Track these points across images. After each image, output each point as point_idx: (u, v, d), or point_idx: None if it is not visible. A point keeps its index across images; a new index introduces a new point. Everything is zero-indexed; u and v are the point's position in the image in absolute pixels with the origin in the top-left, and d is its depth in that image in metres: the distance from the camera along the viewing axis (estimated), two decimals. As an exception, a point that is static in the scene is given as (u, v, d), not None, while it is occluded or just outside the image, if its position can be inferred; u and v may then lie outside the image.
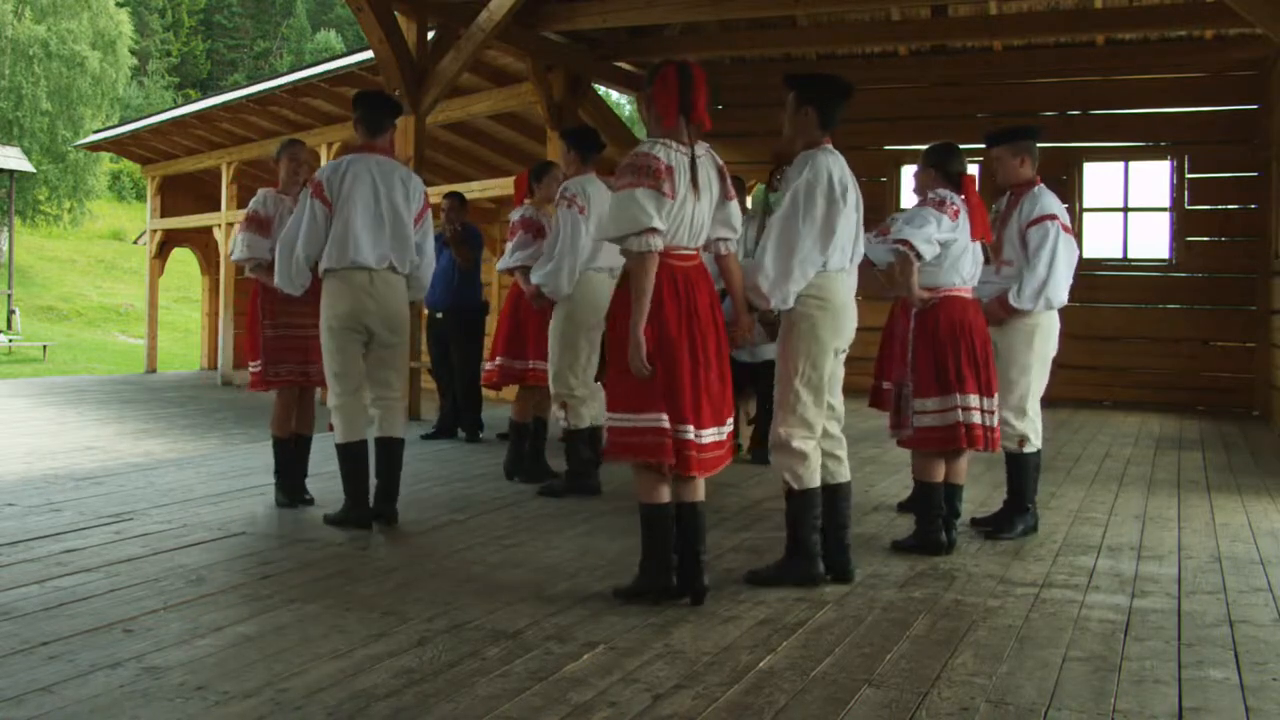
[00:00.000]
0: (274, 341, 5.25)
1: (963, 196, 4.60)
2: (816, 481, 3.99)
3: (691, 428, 3.63)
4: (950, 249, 4.51)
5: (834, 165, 3.91)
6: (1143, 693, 3.01)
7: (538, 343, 6.09)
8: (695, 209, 3.67)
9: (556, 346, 5.67)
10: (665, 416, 3.60)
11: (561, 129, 6.00)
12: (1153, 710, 2.88)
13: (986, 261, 4.83)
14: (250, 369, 5.39)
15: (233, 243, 5.37)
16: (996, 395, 4.64)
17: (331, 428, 4.96)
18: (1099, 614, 3.76)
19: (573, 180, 5.66)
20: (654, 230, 3.55)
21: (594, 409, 5.71)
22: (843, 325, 4.01)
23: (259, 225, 5.24)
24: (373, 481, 4.96)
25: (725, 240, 3.85)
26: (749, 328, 3.97)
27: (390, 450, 5.00)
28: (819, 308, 3.94)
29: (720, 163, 3.81)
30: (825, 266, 3.91)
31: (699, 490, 3.78)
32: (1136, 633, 3.56)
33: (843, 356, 4.11)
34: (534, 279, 5.68)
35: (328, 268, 4.82)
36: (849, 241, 3.98)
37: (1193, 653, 3.36)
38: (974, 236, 4.58)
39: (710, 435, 3.70)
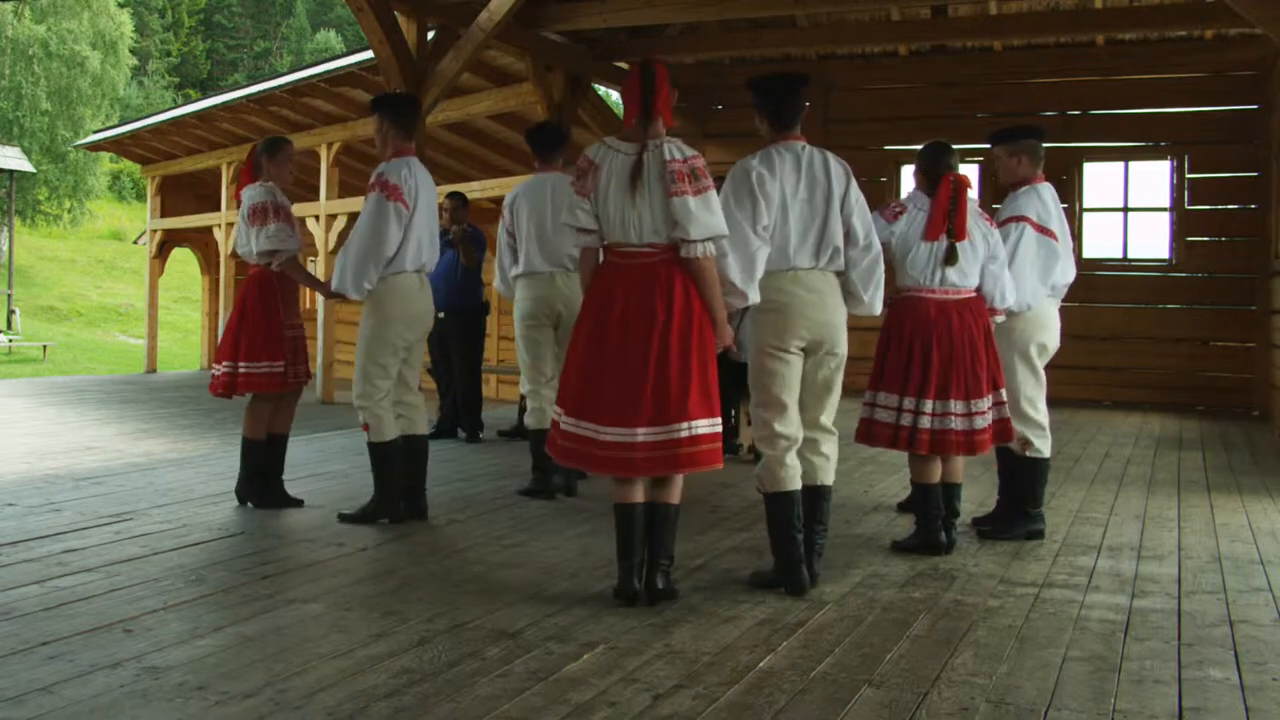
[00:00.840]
0: (292, 341, 5.26)
1: (936, 195, 4.55)
2: (786, 485, 3.93)
3: (585, 424, 3.64)
4: (891, 249, 4.51)
5: (760, 163, 3.91)
6: (1143, 693, 3.01)
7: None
8: (626, 207, 3.64)
9: (518, 346, 5.91)
10: (584, 422, 3.65)
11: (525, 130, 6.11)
12: (1153, 710, 2.88)
13: (948, 263, 4.75)
14: (260, 368, 5.21)
15: (251, 234, 5.17)
16: (988, 397, 4.58)
17: (366, 427, 4.97)
18: (1099, 614, 3.76)
19: (516, 186, 5.89)
20: (579, 229, 3.75)
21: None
22: (790, 325, 3.93)
23: (288, 216, 5.20)
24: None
25: (685, 242, 3.61)
26: (725, 336, 3.78)
27: (419, 448, 5.12)
28: (765, 309, 3.94)
29: (671, 157, 3.63)
30: (767, 267, 3.88)
31: (669, 493, 3.75)
32: (1136, 633, 3.56)
33: (831, 360, 4.02)
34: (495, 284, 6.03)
35: (401, 269, 4.87)
36: (791, 239, 3.91)
37: (1193, 653, 3.36)
38: (929, 235, 4.50)
39: (612, 434, 3.59)
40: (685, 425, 3.60)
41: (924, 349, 4.47)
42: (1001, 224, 4.83)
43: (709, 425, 3.65)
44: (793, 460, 3.95)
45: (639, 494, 3.72)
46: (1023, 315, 4.83)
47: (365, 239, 4.80)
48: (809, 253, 3.95)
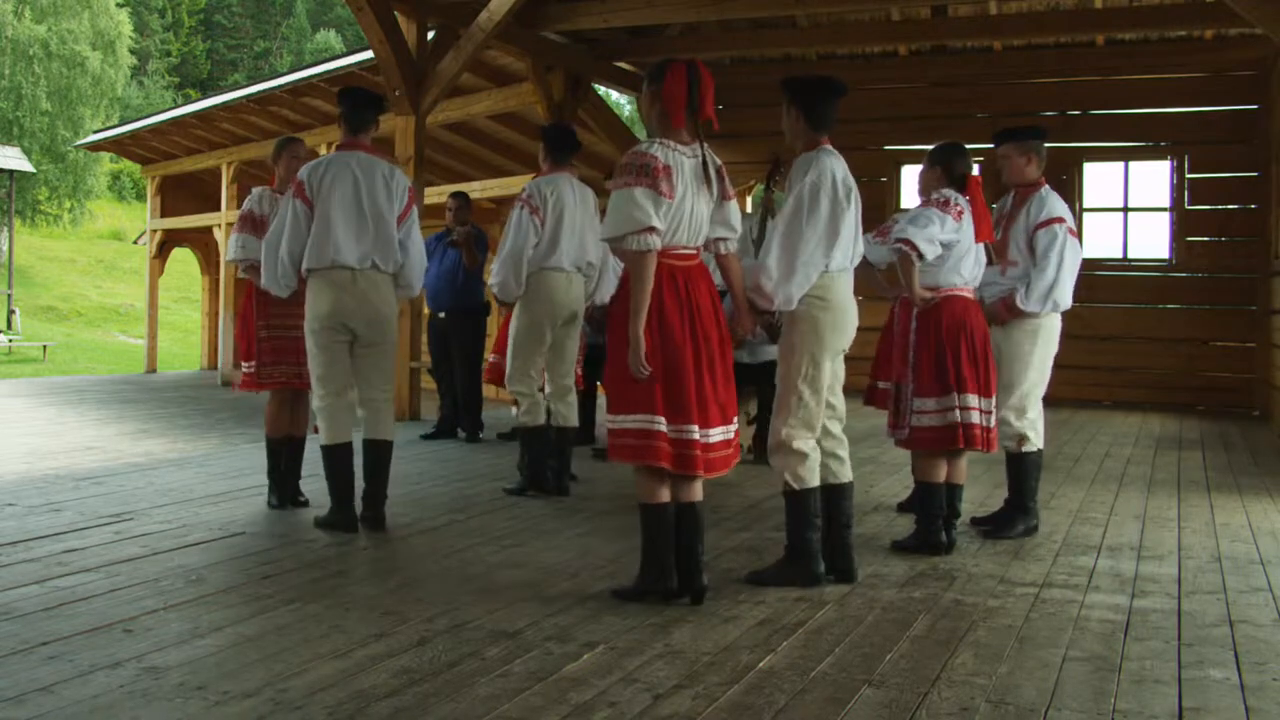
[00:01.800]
0: (268, 343, 5.22)
1: (968, 197, 4.58)
2: (816, 481, 4.00)
3: (696, 428, 3.62)
4: (953, 250, 4.50)
5: (837, 166, 3.93)
6: (1143, 693, 3.01)
7: None
8: (694, 209, 3.67)
9: (512, 345, 5.76)
10: (661, 419, 3.61)
11: (542, 126, 6.06)
12: (1153, 710, 2.88)
13: (990, 263, 4.82)
14: (243, 369, 5.34)
15: (229, 242, 5.33)
16: (995, 396, 4.64)
17: (317, 430, 4.95)
18: (1099, 614, 3.76)
19: (535, 180, 5.75)
20: (651, 229, 3.55)
21: (563, 408, 5.82)
22: (845, 325, 4.01)
23: (254, 225, 5.20)
24: (360, 485, 4.93)
25: (724, 240, 3.85)
26: (751, 326, 3.95)
27: (377, 453, 4.93)
28: (821, 308, 3.94)
29: (719, 163, 3.80)
30: (828, 267, 3.92)
31: (697, 490, 3.78)
32: (1136, 633, 3.56)
33: (841, 356, 4.11)
34: (490, 282, 5.82)
35: (309, 268, 4.75)
36: (850, 242, 3.99)
37: (1193, 653, 3.36)
38: (977, 239, 4.56)
39: (718, 434, 3.70)
40: (735, 423, 3.81)
41: (970, 347, 4.53)
42: (1042, 225, 4.84)
43: (737, 422, 3.85)
44: (818, 456, 4.03)
45: (668, 494, 3.73)
46: (1054, 316, 4.92)
47: (271, 237, 4.82)
48: (849, 255, 4.02)
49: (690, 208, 3.66)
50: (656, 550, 3.75)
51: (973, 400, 4.50)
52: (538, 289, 5.64)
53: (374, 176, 4.82)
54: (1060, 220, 4.85)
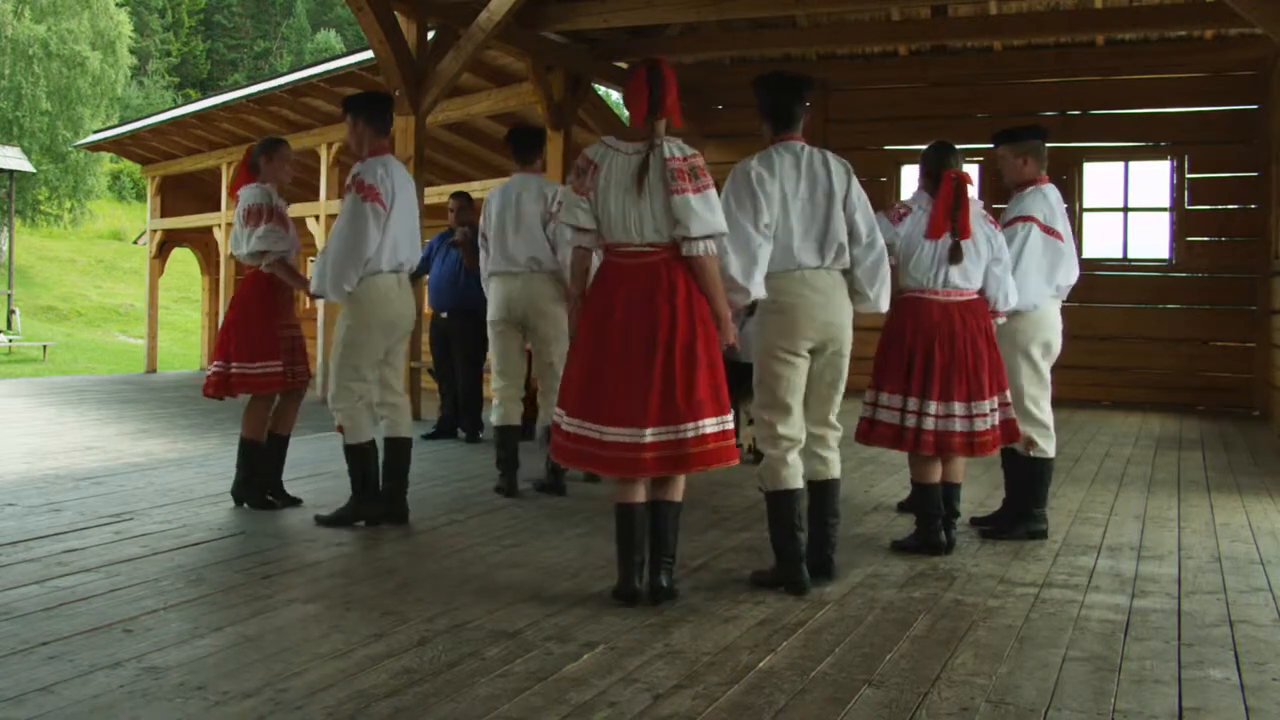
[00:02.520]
0: (290, 342, 5.25)
1: (938, 194, 4.54)
2: (789, 485, 3.94)
3: (590, 424, 3.63)
4: (896, 251, 4.50)
5: (759, 163, 3.93)
6: (1143, 693, 3.01)
7: None
8: (629, 206, 3.64)
9: (489, 344, 5.99)
10: (569, 417, 3.67)
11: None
12: (1153, 710, 2.88)
13: (953, 261, 4.73)
14: (254, 369, 5.21)
15: (242, 236, 5.18)
16: (993, 399, 4.58)
17: (341, 429, 4.95)
18: (1099, 614, 3.76)
19: (497, 185, 6.03)
20: (576, 228, 3.73)
21: (548, 407, 5.87)
22: (799, 326, 3.93)
23: (280, 218, 5.20)
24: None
25: (684, 239, 3.63)
26: (730, 332, 3.80)
27: (402, 450, 5.05)
28: (771, 310, 3.95)
29: (671, 155, 3.64)
30: (772, 267, 3.89)
31: (672, 490, 3.75)
32: (1136, 633, 3.56)
33: (838, 360, 4.04)
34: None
35: (375, 270, 4.80)
36: (795, 239, 3.91)
37: (1193, 653, 3.36)
38: (932, 234, 4.49)
39: (615, 434, 3.59)
40: (692, 425, 3.60)
41: (926, 350, 4.46)
42: (1008, 224, 4.83)
43: (717, 424, 3.65)
44: (795, 459, 3.96)
45: (641, 494, 3.72)
46: (1026, 316, 4.82)
47: (344, 240, 4.74)
48: (813, 251, 3.95)
49: (618, 205, 3.64)
50: (620, 550, 3.77)
51: (931, 407, 4.45)
52: (493, 296, 5.84)
53: (410, 179, 5.01)
54: (1026, 218, 4.82)
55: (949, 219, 4.47)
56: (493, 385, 5.94)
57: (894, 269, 4.46)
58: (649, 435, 3.57)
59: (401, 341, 5.05)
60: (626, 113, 3.82)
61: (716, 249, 3.70)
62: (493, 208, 5.82)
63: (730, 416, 3.77)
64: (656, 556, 3.77)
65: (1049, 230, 4.84)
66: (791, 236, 3.92)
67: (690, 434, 3.60)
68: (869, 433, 4.61)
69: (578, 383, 3.71)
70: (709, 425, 3.62)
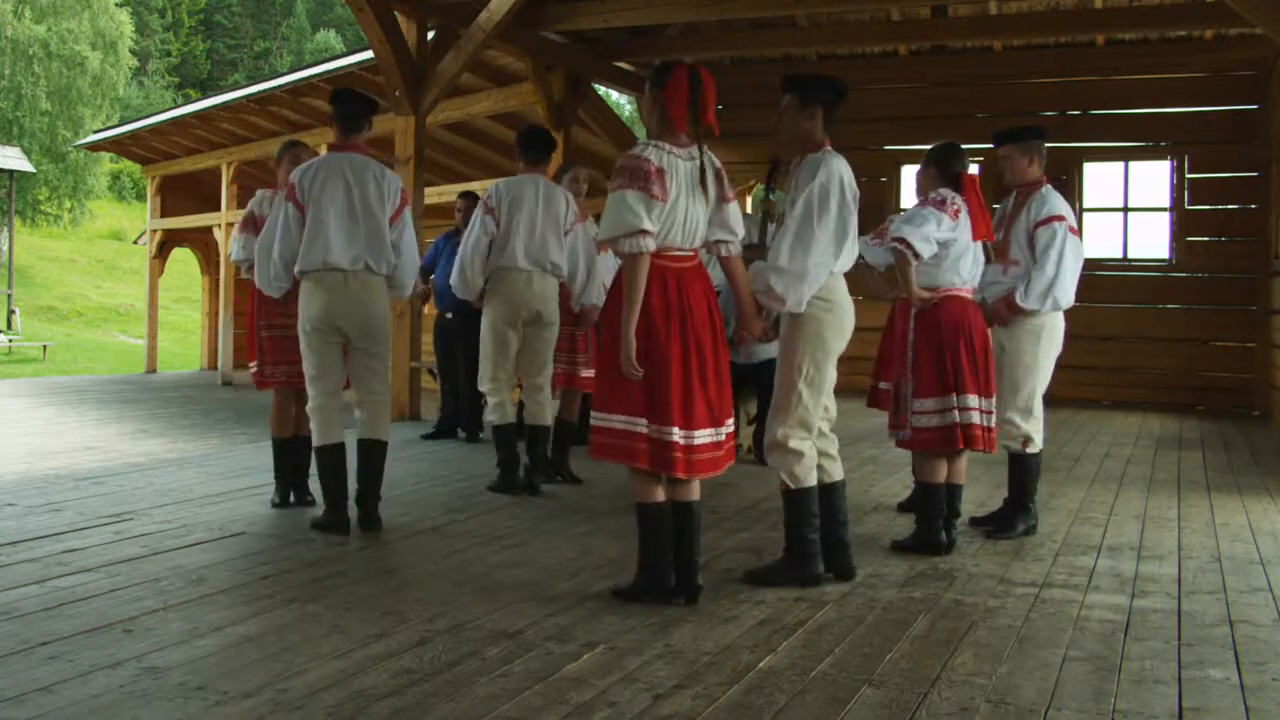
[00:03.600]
0: (269, 342, 5.23)
1: (964, 196, 4.58)
2: (813, 480, 4.00)
3: (677, 429, 3.60)
4: (950, 249, 4.50)
5: (844, 169, 3.95)
6: (1143, 693, 3.01)
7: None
8: (689, 211, 3.66)
9: (481, 346, 5.89)
10: (642, 420, 3.62)
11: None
12: (1153, 710, 2.88)
13: (989, 261, 4.81)
14: (249, 368, 5.38)
15: (230, 243, 5.36)
16: (995, 396, 4.63)
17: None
18: (1099, 614, 3.76)
19: (500, 181, 5.90)
20: (643, 232, 3.56)
21: (533, 406, 5.90)
22: (847, 325, 4.03)
23: (256, 226, 5.21)
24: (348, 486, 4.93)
25: (726, 243, 3.84)
26: (760, 329, 3.95)
27: (370, 453, 4.92)
28: (825, 310, 3.95)
29: (719, 165, 3.81)
30: (833, 269, 3.94)
31: (694, 490, 3.78)
32: (1136, 633, 3.56)
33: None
34: (451, 281, 5.95)
35: (301, 270, 4.76)
36: (853, 244, 4.01)
37: (1193, 653, 3.36)
38: (975, 236, 4.56)
39: (704, 436, 3.66)
40: (728, 425, 3.77)
41: (970, 347, 4.53)
42: (1042, 223, 4.85)
43: (730, 424, 3.80)
44: (815, 456, 4.02)
45: (663, 493, 3.73)
46: (1055, 314, 4.91)
47: (264, 239, 4.84)
48: (849, 256, 4.01)
49: (685, 210, 3.65)
50: (651, 550, 3.75)
51: (972, 401, 4.50)
52: (495, 288, 5.77)
53: (365, 178, 4.80)
54: (1060, 218, 4.85)
55: (984, 219, 4.59)
56: (489, 385, 5.91)
57: (904, 265, 4.46)
58: (712, 435, 3.70)
59: (367, 346, 4.86)
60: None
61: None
62: (511, 201, 5.68)
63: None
64: (690, 557, 3.77)
65: (1073, 229, 4.90)
66: (848, 242, 3.99)
67: (726, 434, 3.76)
68: (943, 437, 4.52)
69: (654, 387, 3.62)
70: (730, 425, 3.80)
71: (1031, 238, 4.87)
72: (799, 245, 3.85)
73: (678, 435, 3.61)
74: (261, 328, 5.24)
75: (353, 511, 4.89)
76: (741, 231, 3.87)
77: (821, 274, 3.89)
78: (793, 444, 3.96)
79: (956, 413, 4.49)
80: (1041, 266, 4.81)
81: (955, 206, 4.51)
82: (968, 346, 4.52)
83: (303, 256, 4.74)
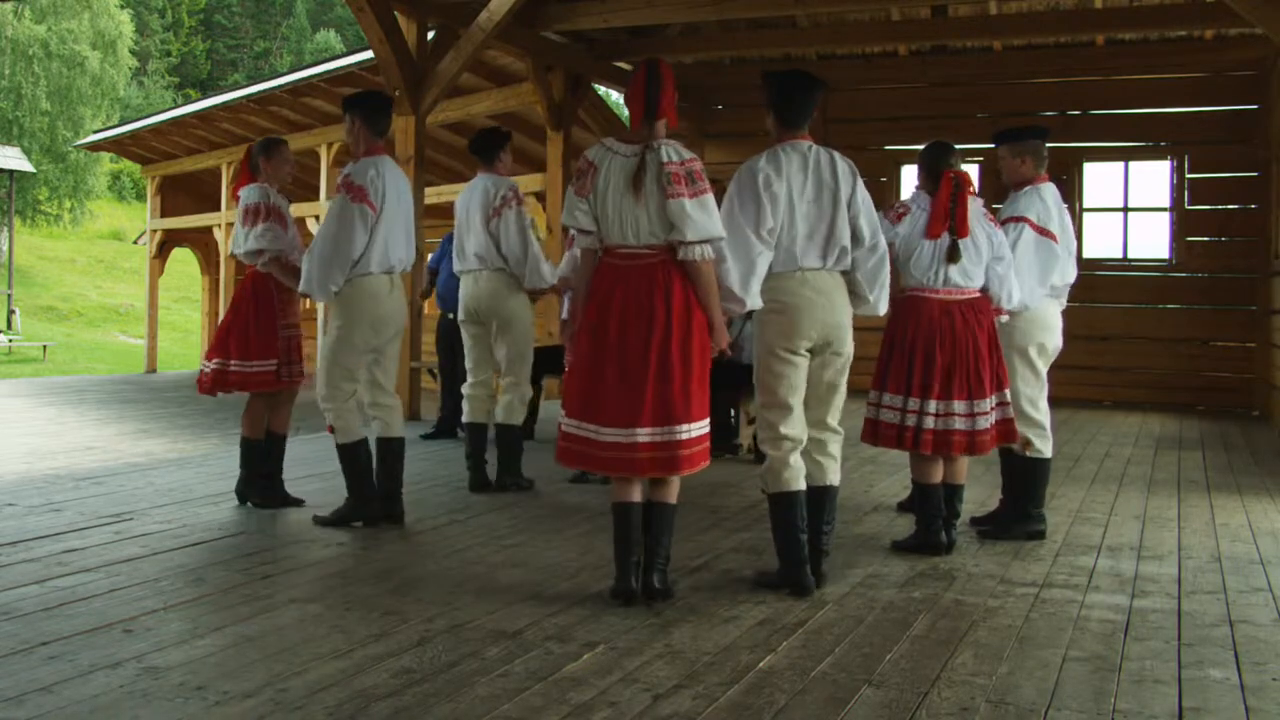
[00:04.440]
0: (286, 341, 5.25)
1: (937, 195, 4.55)
2: (791, 486, 3.93)
3: (587, 424, 3.65)
4: (895, 251, 4.50)
5: (767, 163, 3.90)
6: (1143, 693, 3.01)
7: None
8: (626, 208, 3.63)
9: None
10: (588, 424, 3.65)
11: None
12: (1153, 710, 2.88)
13: (950, 260, 4.73)
14: (257, 367, 5.23)
15: (243, 234, 5.20)
16: (992, 398, 4.58)
17: (332, 429, 4.96)
18: (1099, 614, 3.76)
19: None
20: (579, 230, 3.72)
21: (500, 406, 6.02)
22: (799, 326, 3.92)
23: (279, 217, 5.20)
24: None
25: (679, 244, 3.62)
26: (725, 341, 3.81)
27: (395, 450, 5.04)
28: (772, 310, 3.94)
29: (668, 159, 3.63)
30: (773, 268, 3.89)
31: (667, 492, 3.76)
32: (1136, 633, 3.56)
33: (837, 360, 4.03)
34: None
35: (364, 272, 4.79)
36: (799, 240, 3.90)
37: (1193, 653, 3.36)
38: (931, 234, 4.49)
39: (611, 434, 3.61)
40: (684, 427, 3.64)
41: (927, 349, 4.47)
42: (1001, 224, 4.83)
43: (701, 427, 3.70)
44: (797, 461, 3.95)
45: (638, 493, 3.73)
46: (1022, 315, 4.83)
47: (329, 241, 4.74)
48: (816, 253, 3.94)
49: (616, 207, 3.64)
50: (617, 549, 3.77)
51: (933, 406, 4.46)
52: (459, 295, 6.02)
53: (404, 179, 4.98)
54: (1020, 219, 4.83)
55: (947, 218, 4.47)
56: (466, 383, 6.11)
57: (893, 269, 4.46)
58: (643, 435, 3.59)
59: (392, 343, 5.00)
60: (627, 112, 3.82)
61: (714, 253, 3.70)
62: (457, 209, 5.97)
63: (708, 421, 3.76)
64: (651, 557, 3.78)
65: (1042, 231, 4.83)
66: (795, 238, 3.90)
67: (683, 436, 3.63)
68: (873, 433, 4.62)
69: (576, 382, 3.72)
70: (696, 429, 3.67)
71: None
72: (733, 240, 3.80)
73: (569, 426, 3.69)
74: (282, 326, 5.23)
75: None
76: (694, 233, 3.60)
77: (757, 263, 3.81)
78: (763, 448, 3.98)
79: (904, 414, 4.48)
80: (1006, 264, 4.77)
81: (900, 209, 4.57)
82: (927, 349, 4.47)
83: (372, 258, 4.79)
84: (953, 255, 4.47)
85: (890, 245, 4.44)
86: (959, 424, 4.48)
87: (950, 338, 4.48)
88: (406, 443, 5.14)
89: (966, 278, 4.54)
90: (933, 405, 4.45)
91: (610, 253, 3.71)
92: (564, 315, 5.78)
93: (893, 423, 4.52)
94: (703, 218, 3.62)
